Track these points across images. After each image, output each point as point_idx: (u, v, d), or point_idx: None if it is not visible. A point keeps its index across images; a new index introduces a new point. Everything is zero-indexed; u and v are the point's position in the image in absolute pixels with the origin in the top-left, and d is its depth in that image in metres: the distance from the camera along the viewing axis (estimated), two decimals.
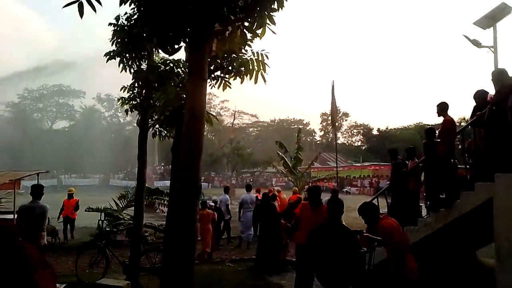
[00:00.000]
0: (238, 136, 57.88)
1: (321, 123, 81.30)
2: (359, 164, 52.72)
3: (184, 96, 6.07)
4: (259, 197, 12.28)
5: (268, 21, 3.96)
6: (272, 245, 9.05)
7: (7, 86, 48.85)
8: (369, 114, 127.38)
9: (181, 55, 5.12)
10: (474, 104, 6.94)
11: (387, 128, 71.81)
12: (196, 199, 3.74)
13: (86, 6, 3.41)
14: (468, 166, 7.13)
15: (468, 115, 8.96)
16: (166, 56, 7.31)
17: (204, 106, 3.79)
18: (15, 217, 10.70)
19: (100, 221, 13.60)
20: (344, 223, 6.93)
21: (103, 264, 8.24)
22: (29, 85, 58.34)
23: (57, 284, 6.14)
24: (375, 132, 74.98)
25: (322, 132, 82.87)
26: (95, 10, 3.62)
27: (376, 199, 8.48)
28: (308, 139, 73.32)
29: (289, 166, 19.95)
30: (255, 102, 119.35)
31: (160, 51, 7.55)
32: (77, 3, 3.49)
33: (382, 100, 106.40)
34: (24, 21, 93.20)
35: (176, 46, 4.04)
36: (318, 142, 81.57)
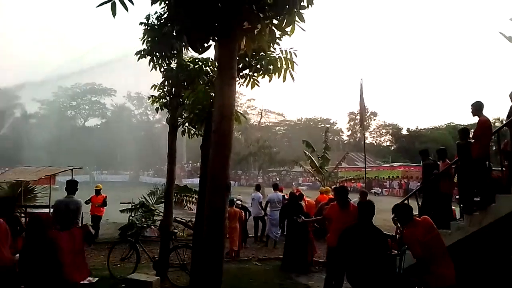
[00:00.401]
0: (264, 135, 57.92)
1: (348, 123, 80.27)
2: (388, 165, 51.70)
3: (213, 94, 6.15)
4: (285, 196, 12.23)
5: (297, 19, 3.92)
6: (299, 245, 8.99)
7: (43, 85, 50.81)
8: (398, 114, 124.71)
9: (209, 53, 5.18)
10: (511, 104, 6.67)
11: (417, 128, 70.11)
12: (225, 197, 3.76)
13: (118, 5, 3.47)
14: (503, 168, 6.84)
15: (503, 116, 8.59)
16: (195, 54, 7.44)
17: (233, 105, 3.80)
18: (51, 211, 11.17)
19: (131, 217, 13.94)
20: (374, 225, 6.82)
21: (133, 259, 8.43)
22: (63, 83, 60.40)
23: (90, 277, 6.38)
24: (404, 132, 73.32)
25: (350, 132, 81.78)
26: (127, 10, 3.70)
27: (406, 200, 8.28)
28: (335, 139, 72.48)
29: (317, 166, 19.80)
30: (281, 100, 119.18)
31: (189, 49, 7.74)
32: (110, 2, 3.58)
33: (411, 99, 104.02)
34: (58, 22, 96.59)
35: (206, 45, 4.07)
36: (345, 141, 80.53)
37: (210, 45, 4.15)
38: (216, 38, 3.86)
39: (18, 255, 3.52)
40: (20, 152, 43.20)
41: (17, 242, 5.02)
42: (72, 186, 6.92)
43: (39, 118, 58.90)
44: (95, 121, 68.24)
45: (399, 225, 5.13)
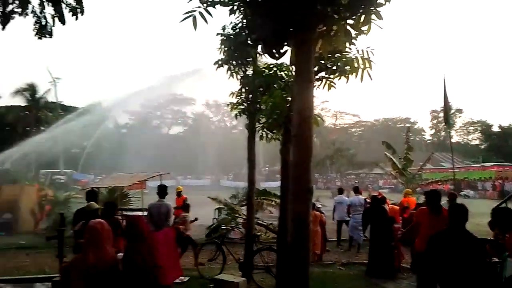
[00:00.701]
0: (340, 137, 56.61)
1: (430, 121, 74.99)
2: (478, 165, 47.19)
3: (290, 99, 6.22)
4: (367, 200, 11.85)
5: (373, 17, 3.82)
6: (384, 250, 8.63)
7: (132, 98, 55.24)
8: (486, 110, 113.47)
9: (283, 59, 5.26)
10: None
11: (510, 125, 63.12)
12: (308, 200, 3.77)
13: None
14: None
15: None
16: (270, 61, 7.60)
17: (312, 108, 3.81)
18: (144, 213, 12.12)
19: (215, 219, 14.57)
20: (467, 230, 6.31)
21: (220, 260, 8.77)
22: (149, 95, 65.16)
23: (182, 277, 6.81)
24: (495, 129, 66.43)
25: (433, 131, 76.32)
26: (206, 22, 3.93)
27: (505, 203, 7.52)
28: (417, 139, 68.14)
29: (399, 168, 18.84)
30: (356, 101, 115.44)
31: (265, 56, 7.92)
32: (191, 16, 3.83)
33: (500, 93, 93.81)
34: (144, 39, 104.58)
35: (282, 51, 4.14)
36: (428, 141, 75.26)
37: (286, 50, 4.22)
38: (292, 43, 3.91)
39: (120, 254, 3.85)
40: (114, 160, 47.39)
41: (119, 242, 5.56)
42: (162, 190, 7.50)
43: (129, 128, 64.18)
44: (178, 129, 72.52)
45: (498, 230, 4.69)
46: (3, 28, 4.20)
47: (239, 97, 7.93)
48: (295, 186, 3.82)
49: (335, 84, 5.48)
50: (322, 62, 5.28)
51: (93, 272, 3.30)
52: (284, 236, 6.42)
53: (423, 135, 77.40)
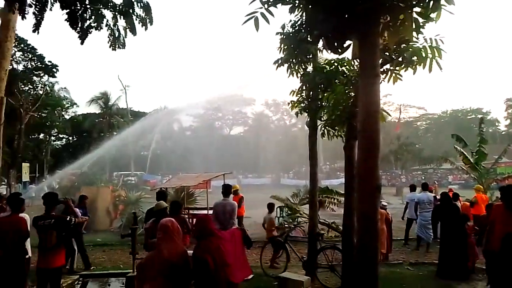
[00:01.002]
0: (405, 131, 54.01)
1: (505, 111, 68.93)
2: None
3: (353, 94, 6.07)
4: (436, 197, 11.20)
5: (443, 2, 3.60)
6: (457, 249, 8.11)
7: (195, 102, 57.35)
8: None
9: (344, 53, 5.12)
10: None
11: None
12: (376, 198, 3.66)
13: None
14: None
15: None
16: (330, 56, 7.47)
17: (379, 103, 3.68)
18: (209, 212, 12.52)
19: (277, 217, 14.65)
20: None
21: (283, 258, 8.81)
22: (211, 97, 67.26)
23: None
24: None
25: (508, 121, 70.08)
26: (268, 22, 3.96)
27: None
28: (490, 130, 62.97)
29: (471, 162, 17.55)
30: (421, 93, 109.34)
31: (325, 52, 7.80)
32: (253, 18, 3.88)
33: None
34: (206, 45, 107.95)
35: (345, 45, 4.04)
36: (503, 132, 69.26)
37: (349, 45, 4.12)
38: (355, 37, 3.81)
39: (189, 251, 4.01)
40: (179, 161, 49.57)
41: (186, 239, 5.81)
42: (227, 189, 7.71)
43: (193, 130, 66.66)
44: (238, 130, 73.95)
45: None
46: (82, 43, 4.58)
47: (299, 95, 7.89)
48: (362, 183, 3.71)
49: (401, 76, 5.24)
50: (387, 54, 5.07)
51: (168, 266, 3.50)
52: (349, 235, 6.30)
53: (497, 126, 71.54)
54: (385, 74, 5.38)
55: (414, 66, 4.95)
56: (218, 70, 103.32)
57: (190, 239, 6.33)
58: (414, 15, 3.72)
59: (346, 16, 3.58)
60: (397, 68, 5.29)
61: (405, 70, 5.25)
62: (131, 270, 8.22)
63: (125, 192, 18.27)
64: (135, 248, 8.40)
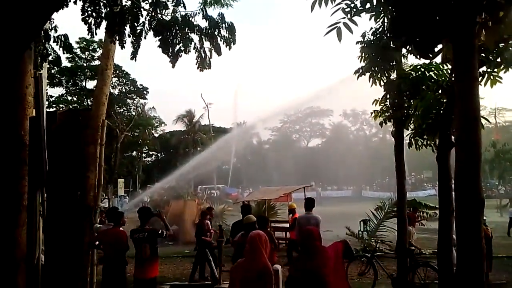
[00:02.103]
0: (501, 137, 48.84)
1: None
2: None
3: (445, 101, 5.66)
4: None
5: None
6: None
7: (274, 115, 58.09)
8: None
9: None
10: None
11: None
12: (479, 213, 3.33)
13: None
14: None
15: None
16: (415, 62, 7.09)
17: (479, 109, 3.38)
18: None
19: (360, 232, 14.10)
20: None
21: (370, 275, 8.43)
22: (288, 111, 67.79)
23: None
24: None
25: None
26: (352, 32, 3.89)
27: None
28: None
29: None
30: None
31: (407, 58, 7.45)
32: (336, 29, 3.84)
33: None
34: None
35: (436, 49, 3.81)
36: None
37: (441, 49, 3.87)
38: (449, 40, 3.56)
39: (276, 266, 4.02)
40: (259, 174, 50.44)
41: (273, 256, 5.83)
42: (310, 203, 7.64)
43: (271, 144, 67.54)
44: (316, 141, 73.11)
45: None
46: (173, 66, 4.95)
47: (383, 104, 7.59)
48: (462, 197, 3.41)
49: (501, 78, 4.78)
50: (483, 55, 4.67)
51: (251, 276, 3.62)
52: (445, 252, 5.81)
53: None
54: (481, 77, 4.96)
55: None
56: (294, 83, 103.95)
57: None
58: None
59: (437, 18, 3.37)
60: (495, 69, 4.85)
61: (505, 72, 4.79)
62: (218, 283, 8.49)
63: (209, 205, 19.02)
64: (221, 260, 8.66)
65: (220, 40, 4.91)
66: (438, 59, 5.86)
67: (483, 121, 4.29)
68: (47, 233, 5.63)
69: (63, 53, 8.30)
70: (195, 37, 5.11)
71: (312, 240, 3.68)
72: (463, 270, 3.45)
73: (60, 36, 5.93)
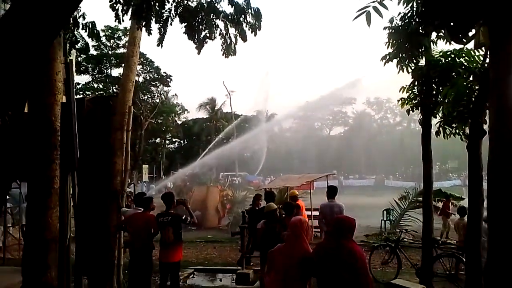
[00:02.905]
0: None
1: None
2: None
3: (477, 88, 5.48)
4: None
5: None
6: None
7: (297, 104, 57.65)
8: None
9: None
10: None
11: None
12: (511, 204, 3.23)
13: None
14: None
15: None
16: (445, 48, 6.86)
17: None
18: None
19: (383, 221, 13.99)
20: None
21: (393, 264, 8.37)
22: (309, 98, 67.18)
23: None
24: None
25: None
26: (382, 16, 3.79)
27: None
28: None
29: None
30: None
31: (437, 44, 7.21)
32: (365, 13, 3.74)
33: None
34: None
35: (470, 34, 3.66)
36: None
37: (474, 33, 3.72)
38: (484, 24, 3.42)
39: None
40: (280, 162, 50.43)
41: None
42: (332, 191, 7.60)
43: (292, 132, 67.21)
44: (338, 130, 72.23)
45: None
46: (198, 53, 4.95)
47: (410, 91, 7.41)
48: (494, 186, 3.31)
49: None
50: None
51: (290, 260, 3.70)
52: (473, 243, 5.69)
53: None
54: None
55: None
56: (318, 70, 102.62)
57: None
58: None
59: (473, 1, 3.24)
60: None
61: None
62: (241, 267, 8.61)
63: (232, 191, 19.21)
64: (244, 246, 8.77)
65: (246, 26, 4.87)
66: (469, 45, 5.69)
67: None
68: (77, 216, 5.82)
69: (91, 40, 8.42)
70: (220, 23, 5.10)
71: (350, 224, 3.67)
72: (494, 261, 3.37)
73: (88, 24, 6.03)
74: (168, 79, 43.70)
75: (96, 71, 40.21)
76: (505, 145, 3.21)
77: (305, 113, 66.19)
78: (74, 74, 6.39)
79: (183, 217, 6.36)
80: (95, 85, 40.75)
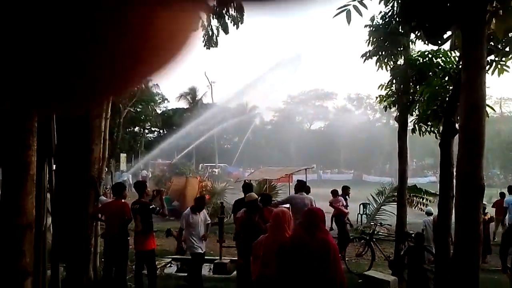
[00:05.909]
0: (506, 127, 48.67)
1: None
2: None
3: (451, 88, 5.67)
4: None
5: None
6: None
7: (275, 96, 57.95)
8: None
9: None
10: None
11: None
12: (479, 199, 3.41)
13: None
14: None
15: None
16: (423, 48, 7.07)
17: (484, 97, 3.41)
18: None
19: (359, 215, 14.32)
20: None
21: (367, 256, 8.61)
22: (293, 92, 67.38)
23: None
24: None
25: None
26: (361, 15, 3.89)
27: None
28: None
29: None
30: None
31: (415, 44, 7.41)
32: (345, 11, 3.84)
33: None
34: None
35: (445, 36, 3.81)
36: None
37: (450, 35, 3.87)
38: (458, 27, 3.56)
39: None
40: (260, 154, 50.60)
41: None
42: (301, 186, 7.85)
43: (273, 125, 67.40)
44: (319, 124, 72.82)
45: None
46: None
47: (389, 89, 7.60)
48: (463, 183, 3.48)
49: (508, 67, 4.78)
50: (492, 43, 4.66)
51: (272, 250, 3.80)
52: (442, 237, 5.94)
53: None
54: (489, 66, 4.96)
55: None
56: (300, 65, 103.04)
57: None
58: None
59: (448, 4, 3.37)
60: (504, 59, 4.85)
61: None
62: (218, 257, 8.69)
63: (211, 182, 19.20)
64: (222, 236, 8.85)
65: (228, 19, 4.89)
66: (446, 46, 5.88)
67: (488, 110, 4.33)
68: (54, 202, 5.76)
69: None
70: (202, 14, 5.10)
71: (318, 217, 3.77)
72: (460, 253, 3.55)
73: None
74: None
75: None
76: (473, 142, 3.37)
77: (286, 106, 66.47)
78: None
79: (151, 207, 6.36)
80: None
